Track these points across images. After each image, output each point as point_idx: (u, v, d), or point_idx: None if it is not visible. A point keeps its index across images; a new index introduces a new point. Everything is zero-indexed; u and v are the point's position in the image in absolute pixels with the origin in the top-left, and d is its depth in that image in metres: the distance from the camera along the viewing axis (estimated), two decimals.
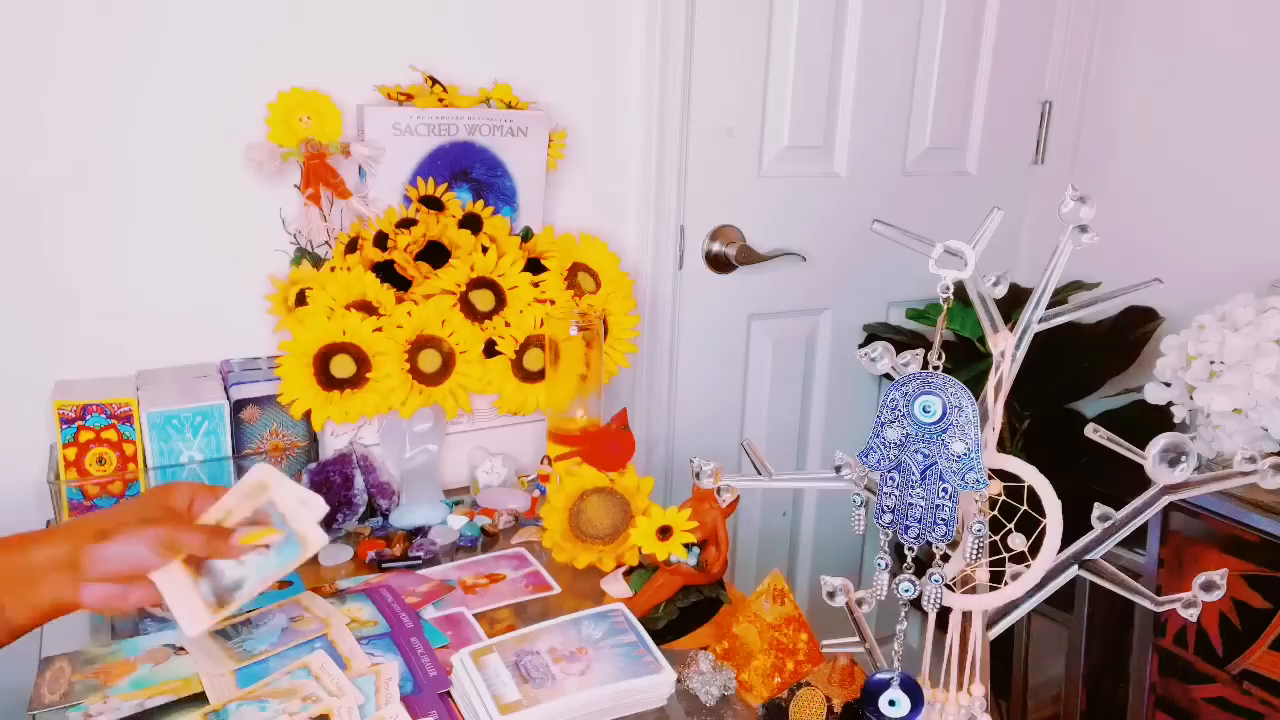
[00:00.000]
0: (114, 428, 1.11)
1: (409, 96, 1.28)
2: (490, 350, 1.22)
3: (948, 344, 1.32)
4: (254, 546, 0.79)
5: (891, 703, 0.73)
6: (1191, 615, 0.69)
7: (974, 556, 0.71)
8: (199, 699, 0.81)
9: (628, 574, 1.05)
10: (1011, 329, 0.73)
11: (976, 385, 0.72)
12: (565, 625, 0.89)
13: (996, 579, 0.75)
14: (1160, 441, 0.68)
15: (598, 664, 0.84)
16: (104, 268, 1.21)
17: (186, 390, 1.17)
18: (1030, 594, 0.74)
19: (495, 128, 1.32)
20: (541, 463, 1.25)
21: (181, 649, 0.88)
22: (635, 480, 1.10)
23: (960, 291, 0.72)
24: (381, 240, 1.23)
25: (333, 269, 1.23)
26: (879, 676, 0.74)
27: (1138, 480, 0.70)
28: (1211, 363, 1.30)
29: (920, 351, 0.74)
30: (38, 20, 1.12)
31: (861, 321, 1.83)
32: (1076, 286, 1.75)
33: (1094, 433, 0.76)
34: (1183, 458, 0.67)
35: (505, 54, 1.38)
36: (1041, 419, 1.70)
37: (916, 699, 0.73)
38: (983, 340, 1.66)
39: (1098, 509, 0.72)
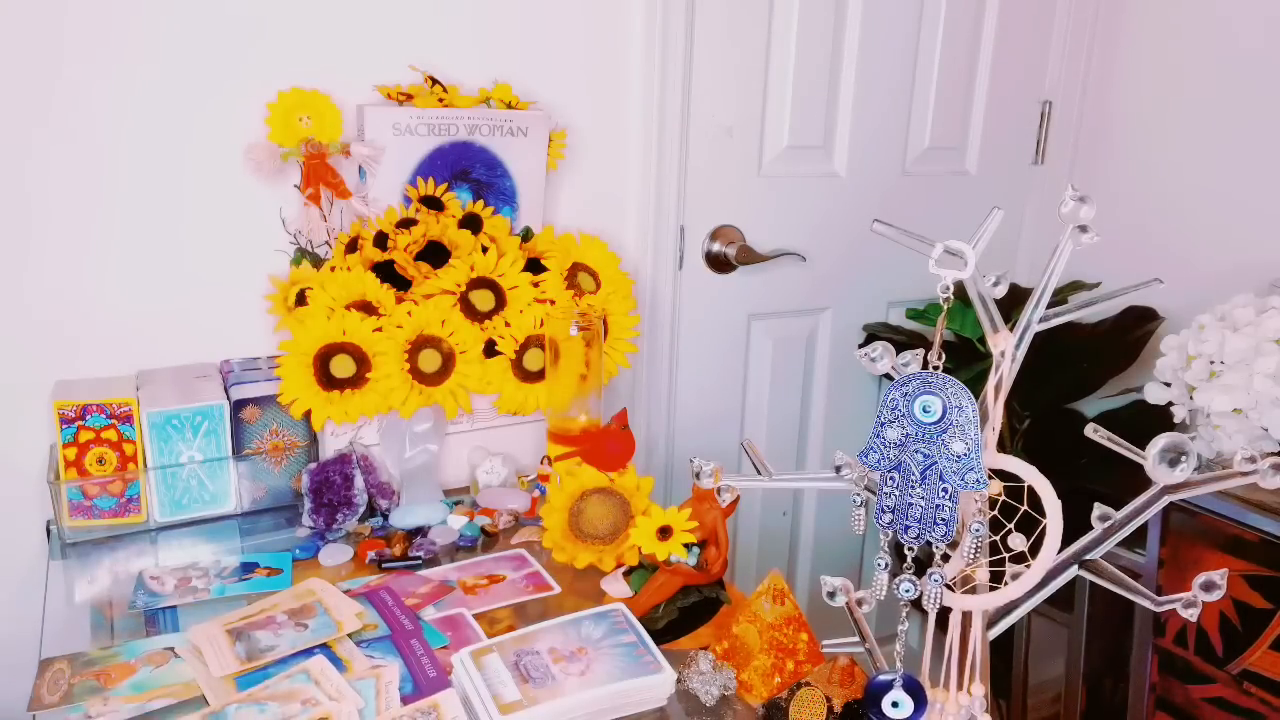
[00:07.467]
0: (114, 428, 1.11)
1: (409, 96, 1.28)
2: (490, 350, 1.22)
3: (948, 344, 1.33)
4: None
5: (894, 704, 0.73)
6: (1191, 615, 0.69)
7: (974, 556, 0.71)
8: (199, 702, 0.81)
9: (628, 574, 1.05)
10: (1011, 329, 0.73)
11: (976, 385, 0.72)
12: (565, 625, 0.89)
13: (996, 579, 0.75)
14: (1160, 441, 0.68)
15: (598, 664, 0.84)
16: (104, 268, 1.21)
17: (186, 390, 1.16)
18: (1030, 594, 0.74)
19: (495, 128, 1.32)
20: (541, 463, 1.25)
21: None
22: (635, 480, 1.10)
23: (960, 291, 0.72)
24: (381, 240, 1.23)
25: (333, 269, 1.23)
26: (881, 678, 0.74)
27: (1138, 480, 0.70)
28: (1211, 363, 1.30)
29: (920, 351, 0.74)
30: (39, 21, 1.12)
31: (861, 321, 1.83)
32: (1076, 286, 1.75)
33: (1094, 433, 0.76)
34: (1183, 458, 0.67)
35: (505, 54, 1.38)
36: (1041, 419, 1.70)
37: (919, 700, 0.73)
38: (983, 340, 1.66)
39: (1098, 509, 0.72)
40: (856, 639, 0.81)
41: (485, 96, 1.34)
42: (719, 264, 1.65)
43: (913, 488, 0.70)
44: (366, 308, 1.16)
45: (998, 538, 0.74)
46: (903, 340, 1.79)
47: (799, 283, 1.73)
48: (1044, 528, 0.71)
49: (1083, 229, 0.70)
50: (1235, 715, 1.32)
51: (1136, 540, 1.31)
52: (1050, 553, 0.72)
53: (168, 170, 1.22)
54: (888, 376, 0.74)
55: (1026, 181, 1.93)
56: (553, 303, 1.25)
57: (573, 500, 1.08)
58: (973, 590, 0.76)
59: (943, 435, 0.68)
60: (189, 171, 1.23)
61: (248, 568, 1.06)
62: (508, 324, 1.23)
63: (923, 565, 0.70)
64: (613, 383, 1.42)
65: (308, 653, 0.86)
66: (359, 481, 1.16)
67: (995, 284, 0.73)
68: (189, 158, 1.22)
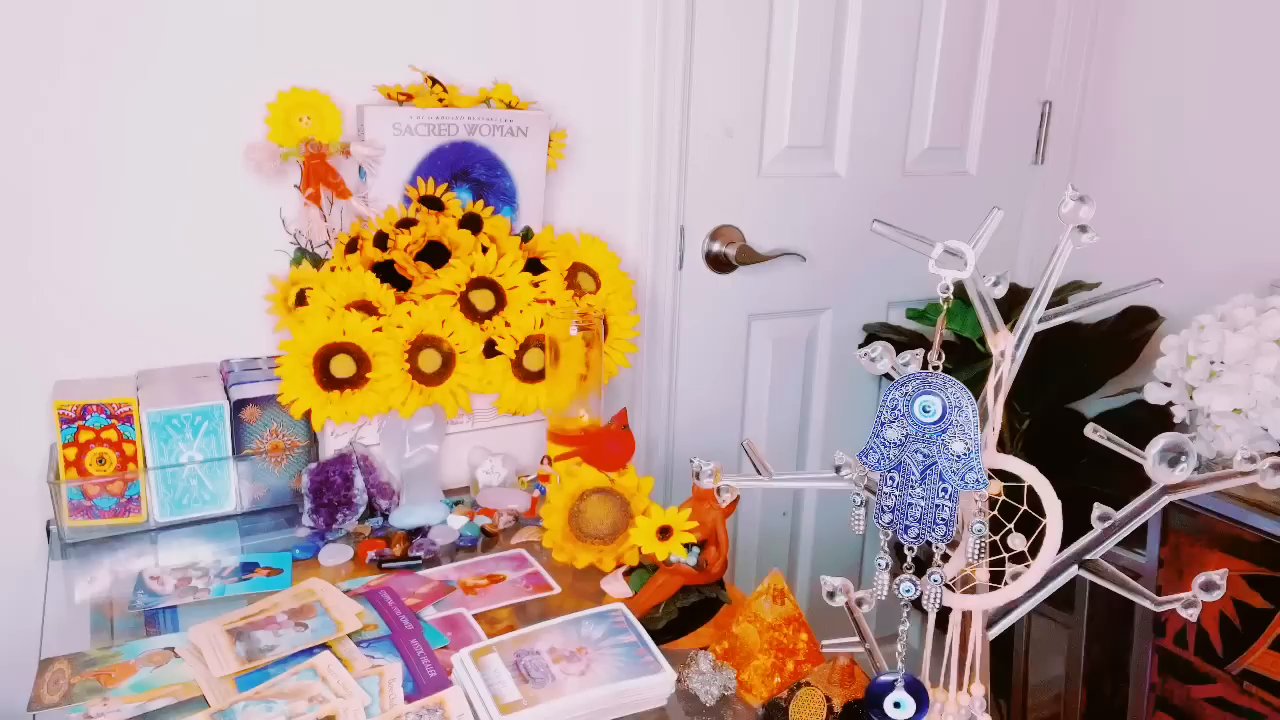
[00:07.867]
0: (114, 428, 1.11)
1: (409, 96, 1.28)
2: (490, 350, 1.22)
3: (948, 344, 1.33)
4: None
5: (897, 704, 0.73)
6: (1191, 615, 0.69)
7: (974, 556, 0.71)
8: (199, 702, 0.81)
9: (628, 574, 1.05)
10: (1011, 329, 0.73)
11: (976, 385, 0.72)
12: (565, 625, 0.89)
13: (996, 579, 0.75)
14: (1160, 441, 0.68)
15: (598, 664, 0.84)
16: (104, 267, 1.21)
17: (186, 390, 1.16)
18: (1030, 594, 0.74)
19: (495, 128, 1.32)
20: (541, 463, 1.25)
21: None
22: (635, 480, 1.10)
23: (960, 291, 0.72)
24: (381, 240, 1.23)
25: (333, 269, 1.23)
26: (883, 678, 0.74)
27: (1138, 480, 0.70)
28: (1211, 363, 1.30)
29: (920, 351, 0.74)
30: (40, 21, 1.12)
31: (861, 321, 1.83)
32: (1076, 286, 1.75)
33: (1094, 433, 0.76)
34: (1183, 458, 0.67)
35: (505, 54, 1.38)
36: (1041, 419, 1.70)
37: (921, 700, 0.73)
38: (983, 340, 1.66)
39: (1098, 509, 0.72)
40: (856, 639, 0.81)
41: (485, 96, 1.34)
42: (719, 264, 1.65)
43: (913, 488, 0.70)
44: (366, 308, 1.16)
45: (998, 538, 0.74)
46: (903, 340, 1.79)
47: (799, 283, 1.73)
48: (1044, 528, 0.72)
49: (1083, 229, 0.70)
50: (1235, 715, 1.32)
51: (1136, 540, 1.31)
52: (1050, 553, 0.72)
53: (168, 170, 1.21)
54: (888, 376, 0.74)
55: (1026, 181, 1.93)
56: (553, 303, 1.25)
57: (573, 500, 1.08)
58: (973, 590, 0.76)
59: (943, 435, 0.68)
60: (189, 171, 1.23)
61: (248, 568, 1.06)
62: (508, 324, 1.23)
63: (923, 565, 0.70)
64: (613, 383, 1.42)
65: (309, 652, 0.86)
66: (359, 481, 1.16)
67: (995, 284, 0.73)
68: (189, 158, 1.22)
